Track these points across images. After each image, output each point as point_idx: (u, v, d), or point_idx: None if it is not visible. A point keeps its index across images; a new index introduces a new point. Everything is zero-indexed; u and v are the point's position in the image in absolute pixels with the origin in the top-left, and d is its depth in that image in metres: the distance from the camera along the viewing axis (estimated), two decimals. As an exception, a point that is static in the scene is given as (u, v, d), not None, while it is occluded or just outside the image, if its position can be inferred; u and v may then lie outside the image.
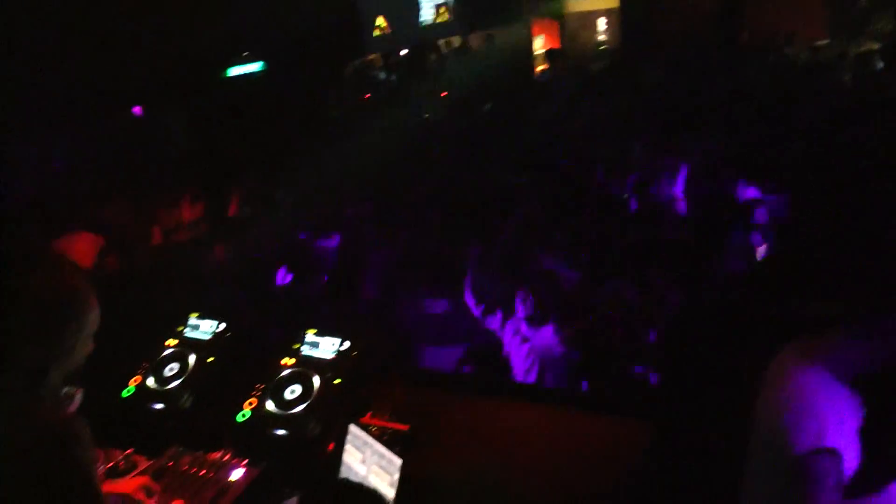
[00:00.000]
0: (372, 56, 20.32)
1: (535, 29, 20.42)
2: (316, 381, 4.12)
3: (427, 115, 14.47)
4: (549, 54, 16.81)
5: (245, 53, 13.23)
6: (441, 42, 20.35)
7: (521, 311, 5.81)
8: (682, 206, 8.42)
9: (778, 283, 5.29)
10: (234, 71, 13.16)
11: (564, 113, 12.67)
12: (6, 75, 8.97)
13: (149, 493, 3.60)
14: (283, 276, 7.50)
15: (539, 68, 18.41)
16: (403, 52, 19.82)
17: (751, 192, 7.69)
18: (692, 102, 11.91)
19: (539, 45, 20.02)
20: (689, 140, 9.64)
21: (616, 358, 5.65)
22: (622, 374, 5.63)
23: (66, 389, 3.06)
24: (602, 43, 20.58)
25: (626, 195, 8.55)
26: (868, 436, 2.47)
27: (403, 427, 3.81)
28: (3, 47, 9.05)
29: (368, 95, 16.55)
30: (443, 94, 15.47)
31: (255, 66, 13.39)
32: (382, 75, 19.71)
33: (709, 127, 10.38)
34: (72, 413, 3.06)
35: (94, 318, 3.01)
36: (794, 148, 9.01)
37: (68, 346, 2.94)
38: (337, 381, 4.12)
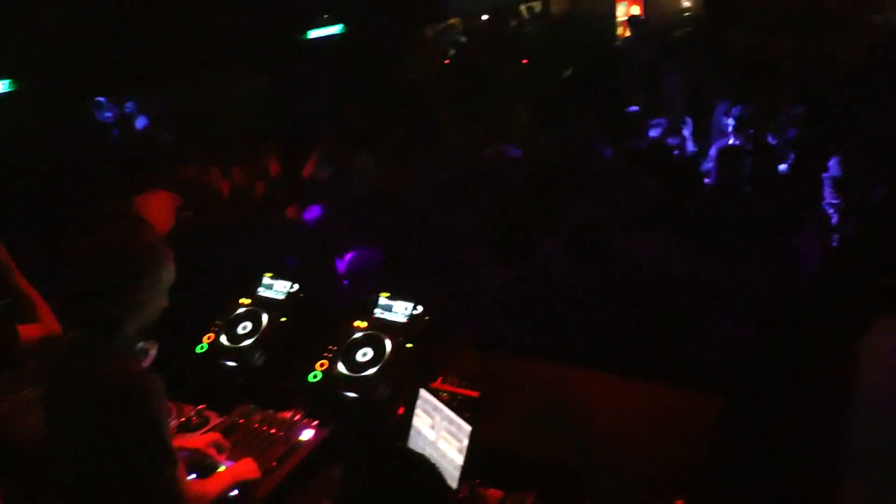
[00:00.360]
0: (452, 20, 20.20)
1: (618, -6, 20.11)
2: (388, 344, 4.10)
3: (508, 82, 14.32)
4: (631, 21, 16.52)
5: (325, 16, 13.23)
6: (523, 7, 20.13)
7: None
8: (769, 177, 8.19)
9: (868, 258, 5.15)
10: (314, 34, 13.16)
11: (646, 80, 12.43)
12: (90, 38, 9.09)
13: (219, 449, 3.63)
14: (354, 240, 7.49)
15: (621, 34, 18.09)
16: (485, 17, 19.67)
17: (836, 165, 7.48)
18: (777, 70, 11.56)
19: (622, 11, 19.68)
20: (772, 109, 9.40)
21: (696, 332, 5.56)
22: (701, 347, 5.52)
23: (140, 344, 3.09)
24: (686, 9, 20.12)
25: (709, 165, 8.34)
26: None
27: (474, 394, 3.77)
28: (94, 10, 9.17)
29: (448, 61, 16.42)
30: (524, 62, 15.28)
31: (334, 29, 13.38)
32: (463, 40, 19.57)
33: (794, 96, 10.08)
34: (146, 367, 3.09)
35: (167, 275, 3.05)
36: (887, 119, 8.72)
37: (142, 301, 2.98)
38: (409, 345, 4.10)
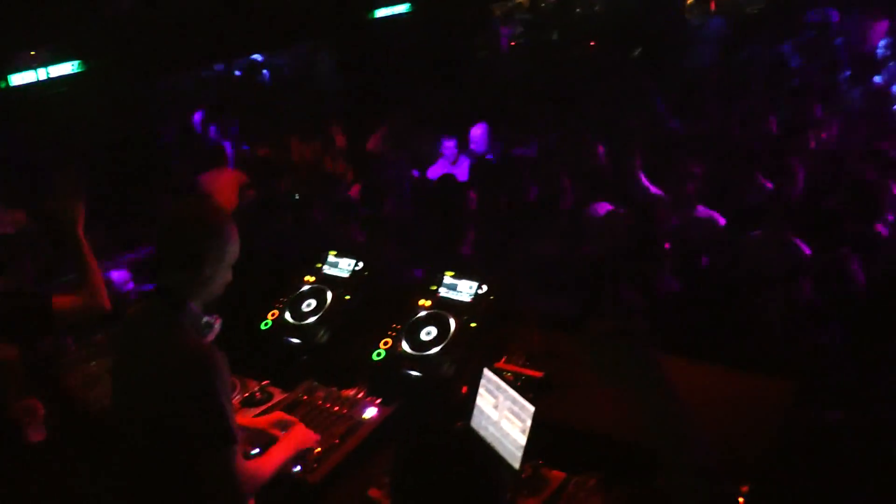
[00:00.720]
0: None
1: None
2: (452, 323, 4.07)
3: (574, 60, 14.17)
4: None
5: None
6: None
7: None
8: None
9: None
10: (381, 12, 13.14)
11: (717, 58, 12.21)
12: (158, 16, 9.17)
13: (283, 426, 3.63)
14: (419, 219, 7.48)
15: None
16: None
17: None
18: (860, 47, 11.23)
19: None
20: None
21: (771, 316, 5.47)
22: (777, 332, 5.43)
23: (205, 319, 3.10)
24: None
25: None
26: None
27: (538, 374, 3.74)
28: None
29: (514, 43, 16.30)
30: (591, 43, 15.10)
31: (401, 8, 13.34)
32: (530, 18, 19.40)
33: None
34: (210, 341, 3.11)
35: (232, 250, 3.06)
36: None
37: (206, 275, 3.00)
38: (473, 324, 4.06)
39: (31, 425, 3.65)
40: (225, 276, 3.09)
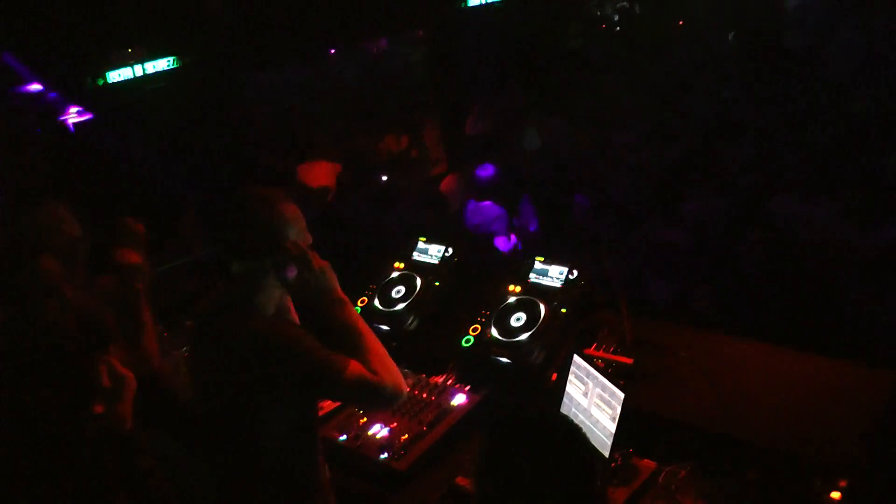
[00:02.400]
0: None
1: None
2: (542, 309, 4.01)
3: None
4: None
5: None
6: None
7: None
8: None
9: None
10: (474, 1, 13.09)
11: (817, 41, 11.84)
12: (252, 11, 9.27)
13: None
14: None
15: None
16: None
17: None
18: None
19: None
20: None
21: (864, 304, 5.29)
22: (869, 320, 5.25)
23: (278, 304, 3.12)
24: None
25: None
26: None
27: (628, 360, 3.66)
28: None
29: (604, 25, 16.09)
30: (680, 23, 14.80)
31: (495, -4, 13.27)
32: (623, 4, 19.17)
33: None
34: (288, 320, 3.14)
35: (295, 232, 3.05)
36: None
37: (282, 262, 3.00)
38: (563, 310, 4.00)
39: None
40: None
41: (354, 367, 2.90)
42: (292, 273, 3.03)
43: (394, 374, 2.96)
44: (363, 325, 3.07)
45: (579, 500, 2.26)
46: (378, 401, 3.02)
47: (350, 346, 2.98)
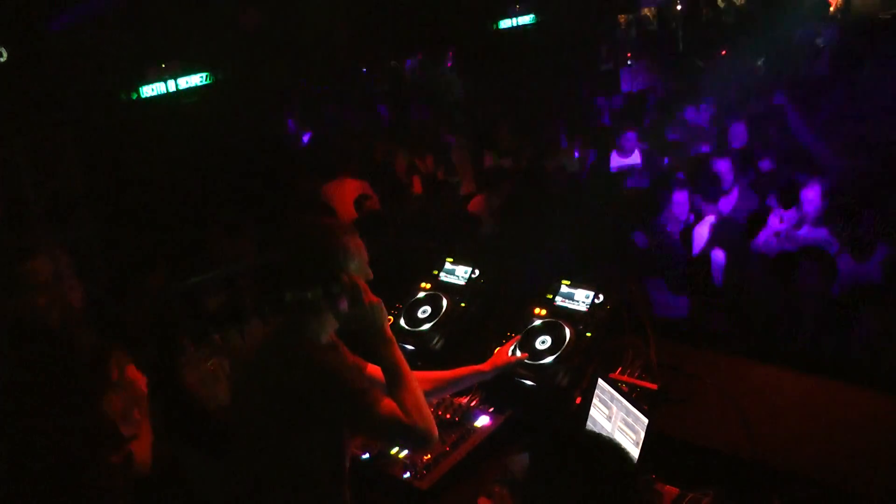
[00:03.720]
0: (646, 10, 19.85)
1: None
2: (567, 332, 4.01)
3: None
4: (817, 6, 15.73)
5: (517, 6, 13.21)
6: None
7: None
8: None
9: None
10: (506, 23, 13.16)
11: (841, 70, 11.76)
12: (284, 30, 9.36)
13: None
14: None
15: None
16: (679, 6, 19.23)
17: None
18: None
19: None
20: None
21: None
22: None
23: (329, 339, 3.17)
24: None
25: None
26: None
27: (653, 385, 3.65)
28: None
29: (629, 54, 16.14)
30: (723, 53, 14.82)
31: (526, 19, 13.34)
32: (656, 29, 19.20)
33: None
34: (341, 357, 3.18)
35: (356, 266, 3.09)
36: None
37: (334, 293, 3.03)
38: (588, 333, 3.99)
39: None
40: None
41: (388, 404, 2.95)
42: (344, 305, 3.07)
43: (426, 419, 3.00)
44: (405, 367, 3.12)
45: None
46: (407, 442, 3.13)
47: (389, 385, 3.05)
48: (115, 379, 3.56)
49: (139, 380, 3.81)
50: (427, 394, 3.20)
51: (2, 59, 7.33)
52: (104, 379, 3.49)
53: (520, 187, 8.38)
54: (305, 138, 12.14)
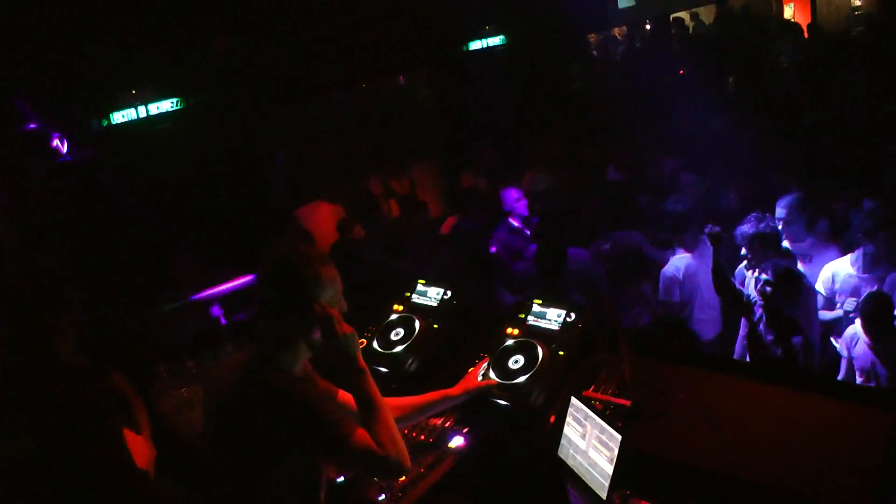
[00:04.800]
0: (615, 30, 20.02)
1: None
2: (540, 351, 4.02)
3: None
4: (784, 25, 15.97)
5: (487, 27, 13.27)
6: (685, 14, 19.80)
7: None
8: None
9: None
10: (476, 45, 13.22)
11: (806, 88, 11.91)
12: (256, 54, 9.37)
13: None
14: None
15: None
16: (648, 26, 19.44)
17: None
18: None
19: (789, 13, 19.03)
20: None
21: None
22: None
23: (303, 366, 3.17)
24: (857, 8, 19.18)
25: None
26: None
27: (626, 402, 3.66)
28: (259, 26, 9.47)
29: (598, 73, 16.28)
30: (681, 72, 14.95)
31: (496, 40, 13.41)
32: (624, 49, 19.37)
33: None
34: (307, 381, 3.18)
35: (330, 295, 3.09)
36: None
37: (309, 321, 3.04)
38: (561, 352, 4.00)
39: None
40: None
41: (361, 435, 2.96)
42: (318, 335, 3.08)
43: (399, 449, 3.01)
44: (378, 397, 3.13)
45: None
46: (380, 472, 3.15)
47: (362, 415, 3.05)
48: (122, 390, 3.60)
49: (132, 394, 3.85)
50: (397, 420, 3.20)
51: None
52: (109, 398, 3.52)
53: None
54: (279, 161, 12.18)
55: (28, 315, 3.36)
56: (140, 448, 3.77)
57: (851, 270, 6.05)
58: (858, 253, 6.04)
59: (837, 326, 5.96)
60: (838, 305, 5.98)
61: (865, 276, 5.98)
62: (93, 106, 8.15)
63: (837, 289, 6.02)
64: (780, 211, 6.39)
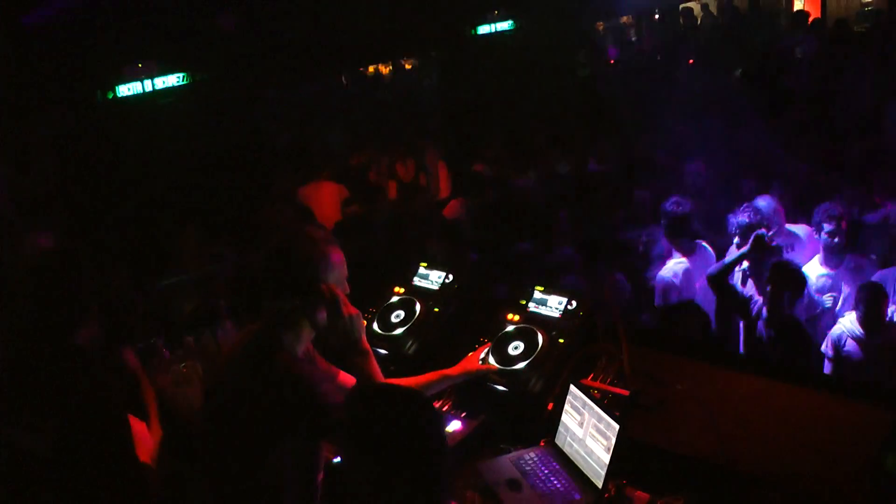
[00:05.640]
0: (624, 18, 19.96)
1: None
2: (540, 338, 4.01)
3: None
4: (797, 16, 15.88)
5: (496, 12, 13.23)
6: (694, 4, 19.73)
7: None
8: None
9: None
10: (484, 29, 13.18)
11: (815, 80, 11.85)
12: (264, 32, 9.35)
13: None
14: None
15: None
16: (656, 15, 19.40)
17: None
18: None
19: (798, 6, 18.95)
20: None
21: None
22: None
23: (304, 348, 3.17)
24: (867, 3, 19.09)
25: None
26: None
27: (624, 392, 3.66)
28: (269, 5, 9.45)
29: (613, 61, 16.19)
30: (689, 62, 14.91)
31: (505, 25, 13.37)
32: (633, 38, 19.31)
33: None
34: (308, 362, 3.18)
35: (336, 276, 3.11)
36: None
37: (313, 303, 3.04)
38: (561, 340, 4.00)
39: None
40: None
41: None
42: (322, 316, 3.07)
43: None
44: (380, 379, 3.15)
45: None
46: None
47: None
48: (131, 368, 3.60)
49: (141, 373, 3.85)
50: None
51: None
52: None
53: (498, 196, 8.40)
54: (283, 140, 12.17)
55: (44, 302, 3.31)
56: (145, 438, 3.76)
57: (823, 270, 6.05)
58: (823, 252, 6.07)
59: (819, 327, 5.93)
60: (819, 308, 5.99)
61: (835, 271, 6.02)
62: (98, 78, 8.14)
63: (814, 290, 6.01)
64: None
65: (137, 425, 3.74)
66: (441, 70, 13.79)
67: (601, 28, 18.59)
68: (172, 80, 8.53)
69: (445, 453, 2.38)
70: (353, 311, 3.12)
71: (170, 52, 8.56)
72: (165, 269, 6.42)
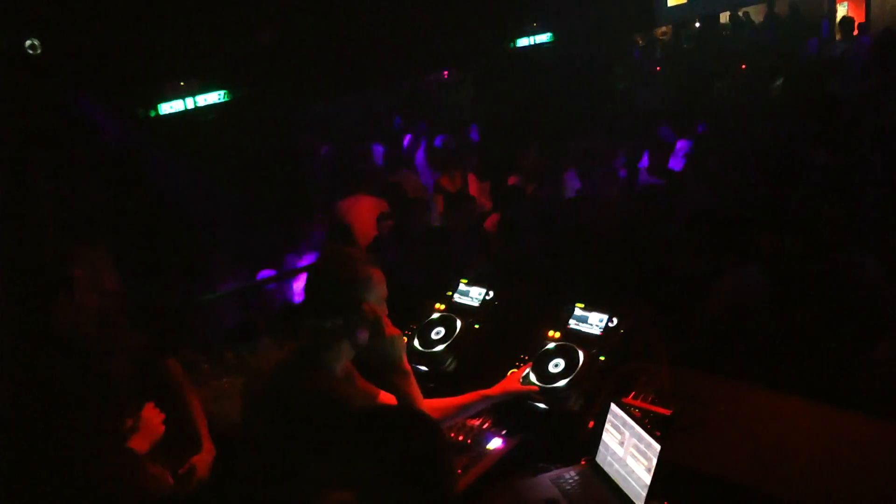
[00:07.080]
0: (664, 28, 19.86)
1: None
2: (580, 356, 3.98)
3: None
4: (842, 23, 15.73)
5: (534, 24, 13.22)
6: (739, 13, 19.60)
7: None
8: None
9: None
10: (523, 42, 13.18)
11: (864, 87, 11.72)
12: (303, 47, 9.40)
13: None
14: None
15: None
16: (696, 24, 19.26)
17: None
18: None
19: (842, 13, 18.76)
20: None
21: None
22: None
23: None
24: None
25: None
26: None
27: (666, 411, 3.63)
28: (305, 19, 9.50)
29: (659, 68, 16.09)
30: (742, 67, 14.80)
31: (543, 37, 13.36)
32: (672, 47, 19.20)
33: None
34: (348, 383, 3.20)
35: (375, 297, 3.12)
36: None
37: (352, 323, 3.05)
38: (602, 357, 3.98)
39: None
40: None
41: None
42: (363, 336, 3.09)
43: None
44: (420, 399, 3.19)
45: None
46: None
47: None
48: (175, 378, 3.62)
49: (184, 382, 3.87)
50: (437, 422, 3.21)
51: (37, 52, 7.34)
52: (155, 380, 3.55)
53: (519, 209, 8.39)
54: (323, 153, 12.23)
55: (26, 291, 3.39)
56: (149, 432, 3.77)
57: None
58: None
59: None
60: None
61: None
62: (140, 96, 8.23)
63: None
64: None
65: (147, 422, 3.75)
66: (479, 82, 13.79)
67: (640, 42, 18.50)
68: (213, 97, 8.61)
69: (452, 481, 2.38)
70: (395, 331, 3.14)
71: (211, 69, 8.64)
72: (206, 284, 6.48)
